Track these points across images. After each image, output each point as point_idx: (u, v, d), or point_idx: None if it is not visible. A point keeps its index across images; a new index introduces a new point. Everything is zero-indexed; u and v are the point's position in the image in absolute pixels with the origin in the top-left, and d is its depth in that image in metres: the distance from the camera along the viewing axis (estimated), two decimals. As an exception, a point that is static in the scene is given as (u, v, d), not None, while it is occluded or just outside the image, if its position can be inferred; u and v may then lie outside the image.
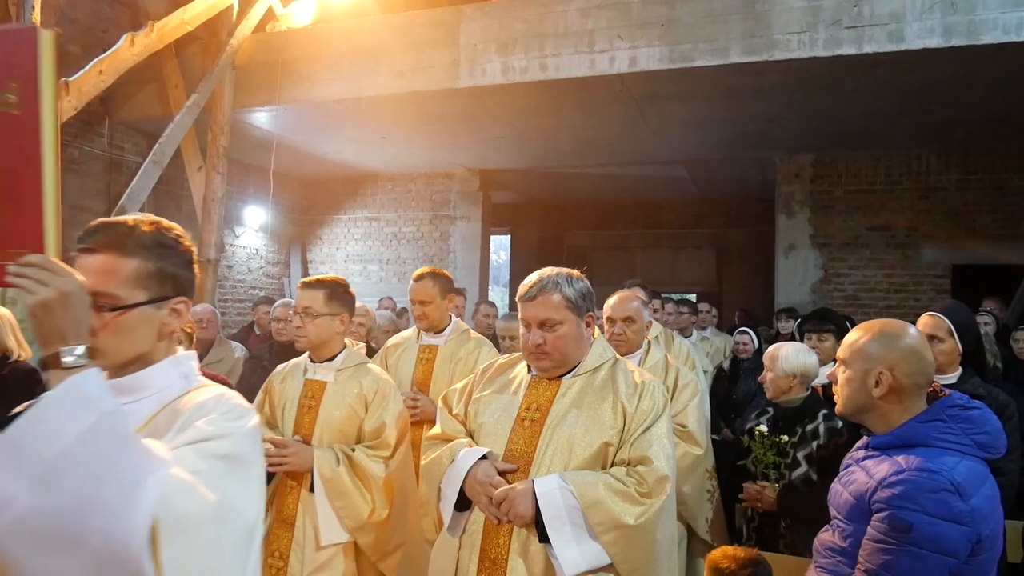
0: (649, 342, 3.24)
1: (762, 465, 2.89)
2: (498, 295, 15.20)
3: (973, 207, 7.68)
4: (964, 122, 6.75)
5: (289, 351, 4.53)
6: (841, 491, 1.83)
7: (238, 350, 4.99)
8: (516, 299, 2.07)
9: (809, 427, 2.84)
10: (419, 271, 3.52)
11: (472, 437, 2.10)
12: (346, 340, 2.79)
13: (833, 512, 1.86)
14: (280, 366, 2.89)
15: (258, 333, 6.12)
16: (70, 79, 5.73)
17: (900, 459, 1.70)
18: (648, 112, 6.76)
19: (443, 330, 3.55)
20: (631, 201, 11.77)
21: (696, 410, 3.05)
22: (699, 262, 11.88)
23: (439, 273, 3.52)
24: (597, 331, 2.12)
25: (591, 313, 2.06)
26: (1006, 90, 5.82)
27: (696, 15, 5.59)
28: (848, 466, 1.88)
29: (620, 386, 2.00)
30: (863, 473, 1.77)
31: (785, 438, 2.84)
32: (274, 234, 9.73)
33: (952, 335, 2.76)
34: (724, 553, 2.23)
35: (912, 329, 1.85)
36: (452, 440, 2.09)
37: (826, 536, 1.89)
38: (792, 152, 8.15)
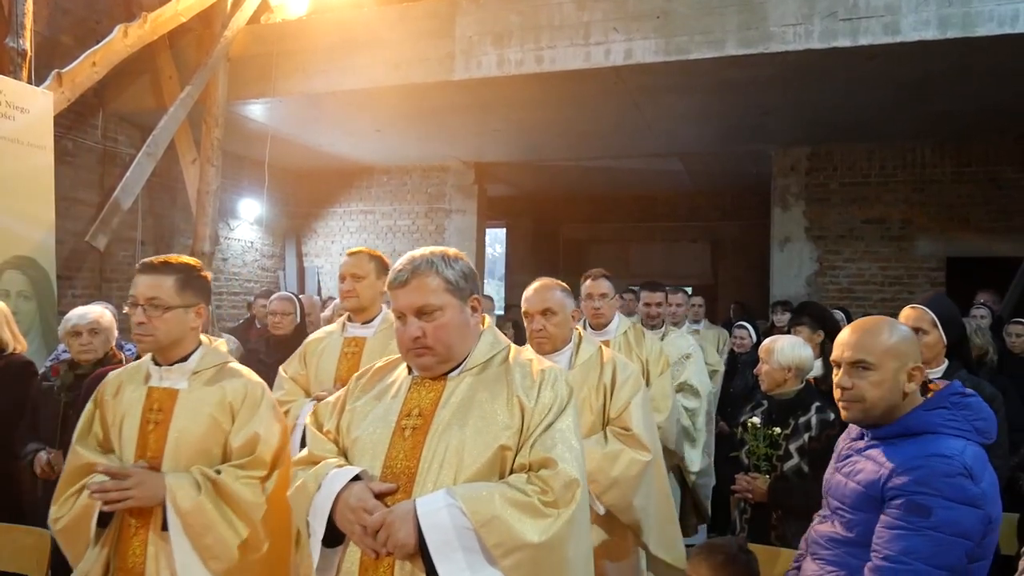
0: (581, 335, 2.84)
1: (755, 457, 2.91)
2: (493, 289, 15.18)
3: (967, 199, 7.70)
4: (959, 114, 6.76)
5: (285, 345, 4.53)
6: (845, 481, 1.83)
7: (230, 343, 4.98)
8: (387, 287, 1.77)
9: (802, 419, 2.86)
10: (355, 248, 3.21)
11: (346, 457, 1.76)
12: (202, 336, 2.27)
13: (835, 503, 1.86)
14: (113, 372, 2.33)
15: (259, 327, 6.12)
16: (63, 71, 5.71)
17: (912, 446, 1.73)
18: (643, 105, 6.76)
19: (372, 320, 3.13)
20: (626, 194, 11.77)
21: (640, 408, 2.66)
22: (694, 255, 11.90)
23: (376, 254, 3.19)
24: (487, 319, 1.84)
25: (477, 297, 1.77)
26: (1001, 82, 5.83)
27: (692, 7, 5.59)
28: (849, 456, 1.89)
29: (515, 378, 1.71)
30: (871, 462, 1.78)
31: (778, 430, 2.86)
32: (269, 227, 9.71)
33: (936, 327, 2.72)
34: (711, 546, 2.26)
35: (907, 327, 1.91)
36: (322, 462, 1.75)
37: (825, 527, 1.89)
38: (787, 145, 8.15)
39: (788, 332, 4.10)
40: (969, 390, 1.85)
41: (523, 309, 2.80)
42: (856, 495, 1.77)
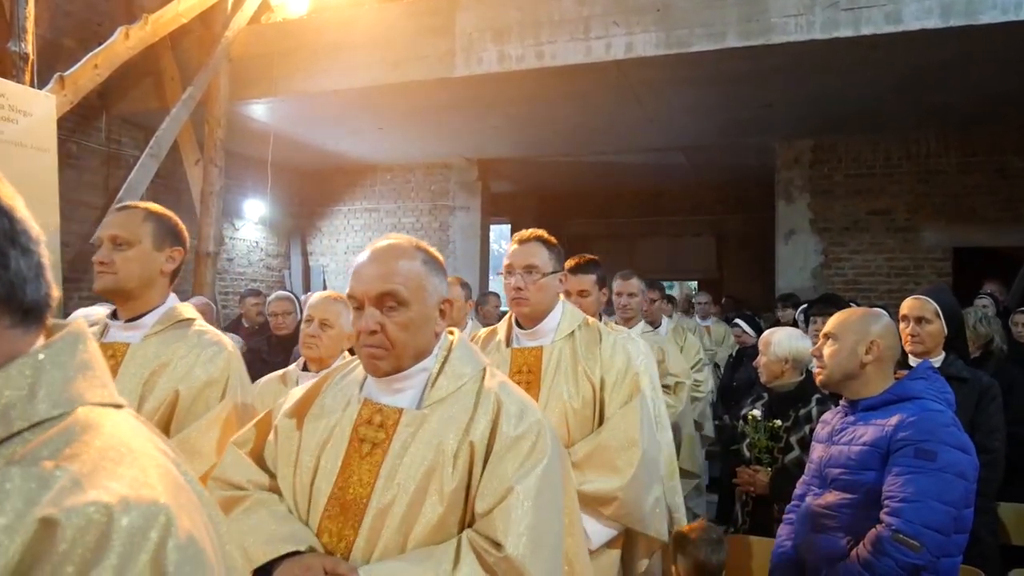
0: (451, 346, 1.56)
1: (756, 450, 2.90)
2: (498, 285, 15.18)
3: (973, 189, 7.65)
4: (963, 104, 6.71)
5: (288, 345, 4.55)
6: (847, 449, 2.05)
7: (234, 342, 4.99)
8: None
9: (802, 411, 2.85)
10: (130, 202, 2.08)
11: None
12: None
13: (836, 471, 2.06)
14: None
15: (246, 326, 6.11)
16: (66, 73, 5.73)
17: (906, 407, 1.99)
18: (645, 98, 6.74)
19: (143, 315, 1.99)
20: (630, 189, 11.74)
21: (534, 503, 1.37)
22: (699, 249, 11.86)
23: (159, 211, 2.03)
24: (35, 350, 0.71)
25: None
26: (1005, 70, 5.78)
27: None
28: (844, 429, 2.11)
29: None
30: (872, 426, 2.02)
31: (778, 422, 2.85)
32: (274, 226, 9.73)
33: (939, 316, 2.81)
34: (691, 528, 2.39)
35: (885, 314, 2.19)
36: None
37: (828, 498, 2.06)
38: (791, 137, 8.11)
39: (813, 322, 4.13)
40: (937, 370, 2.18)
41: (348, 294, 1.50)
42: (862, 454, 1.99)
